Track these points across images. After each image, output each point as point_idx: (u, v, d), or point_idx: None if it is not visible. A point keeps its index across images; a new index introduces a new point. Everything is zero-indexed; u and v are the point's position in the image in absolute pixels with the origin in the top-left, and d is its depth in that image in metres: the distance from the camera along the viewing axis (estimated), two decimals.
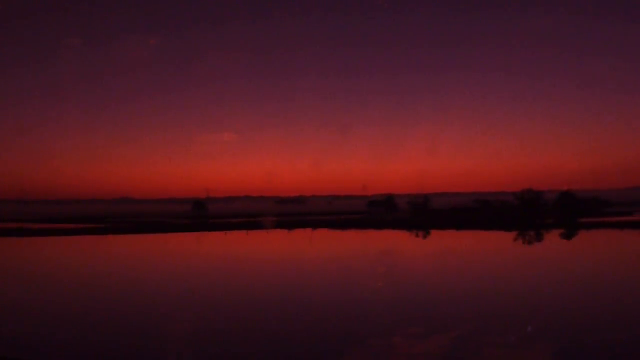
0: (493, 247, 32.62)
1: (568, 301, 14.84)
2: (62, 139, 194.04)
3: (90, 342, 11.20)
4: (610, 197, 78.11)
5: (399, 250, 31.83)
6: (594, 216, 54.37)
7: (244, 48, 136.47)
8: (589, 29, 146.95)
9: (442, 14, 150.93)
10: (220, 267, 24.52)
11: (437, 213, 59.86)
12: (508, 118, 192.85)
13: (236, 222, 55.84)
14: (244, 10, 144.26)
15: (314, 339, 11.37)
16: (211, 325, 12.68)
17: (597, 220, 48.38)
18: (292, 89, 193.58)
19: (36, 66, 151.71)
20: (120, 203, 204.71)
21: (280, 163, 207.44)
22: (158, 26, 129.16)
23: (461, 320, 12.50)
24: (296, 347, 10.77)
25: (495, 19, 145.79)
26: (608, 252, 28.39)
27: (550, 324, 12.07)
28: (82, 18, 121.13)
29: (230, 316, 13.65)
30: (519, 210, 51.55)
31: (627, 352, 10.04)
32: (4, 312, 14.66)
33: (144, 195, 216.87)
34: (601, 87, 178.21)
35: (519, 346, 10.40)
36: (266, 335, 11.63)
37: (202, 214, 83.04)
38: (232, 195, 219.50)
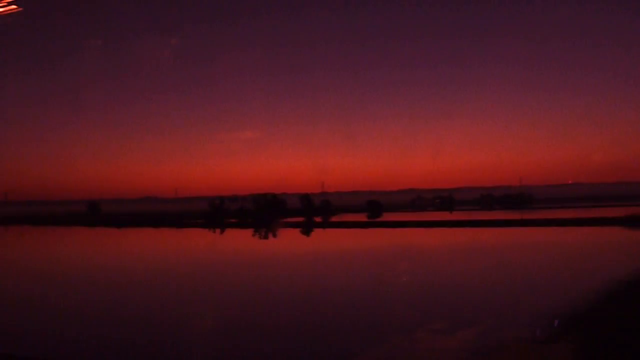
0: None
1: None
2: (82, 139, 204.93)
3: None
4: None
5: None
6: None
7: (264, 45, 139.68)
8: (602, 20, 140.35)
9: (458, 7, 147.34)
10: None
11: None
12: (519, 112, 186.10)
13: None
14: (263, 8, 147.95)
15: None
16: None
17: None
18: (313, 86, 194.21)
19: (56, 67, 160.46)
20: (143, 202, 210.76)
21: (301, 160, 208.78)
22: (179, 26, 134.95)
23: None
24: None
25: (512, 10, 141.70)
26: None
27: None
28: (102, 18, 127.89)
29: None
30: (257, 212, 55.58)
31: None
32: None
33: (166, 194, 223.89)
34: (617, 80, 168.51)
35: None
36: None
37: (94, 213, 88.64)
38: (250, 193, 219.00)
